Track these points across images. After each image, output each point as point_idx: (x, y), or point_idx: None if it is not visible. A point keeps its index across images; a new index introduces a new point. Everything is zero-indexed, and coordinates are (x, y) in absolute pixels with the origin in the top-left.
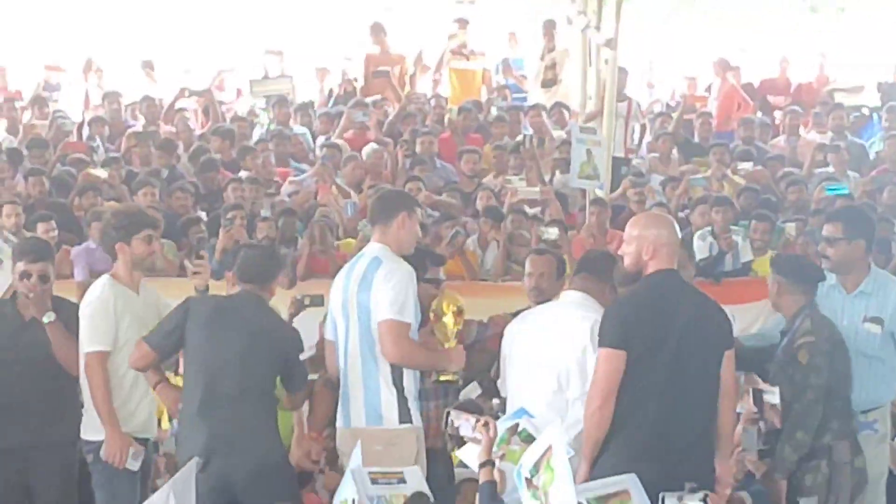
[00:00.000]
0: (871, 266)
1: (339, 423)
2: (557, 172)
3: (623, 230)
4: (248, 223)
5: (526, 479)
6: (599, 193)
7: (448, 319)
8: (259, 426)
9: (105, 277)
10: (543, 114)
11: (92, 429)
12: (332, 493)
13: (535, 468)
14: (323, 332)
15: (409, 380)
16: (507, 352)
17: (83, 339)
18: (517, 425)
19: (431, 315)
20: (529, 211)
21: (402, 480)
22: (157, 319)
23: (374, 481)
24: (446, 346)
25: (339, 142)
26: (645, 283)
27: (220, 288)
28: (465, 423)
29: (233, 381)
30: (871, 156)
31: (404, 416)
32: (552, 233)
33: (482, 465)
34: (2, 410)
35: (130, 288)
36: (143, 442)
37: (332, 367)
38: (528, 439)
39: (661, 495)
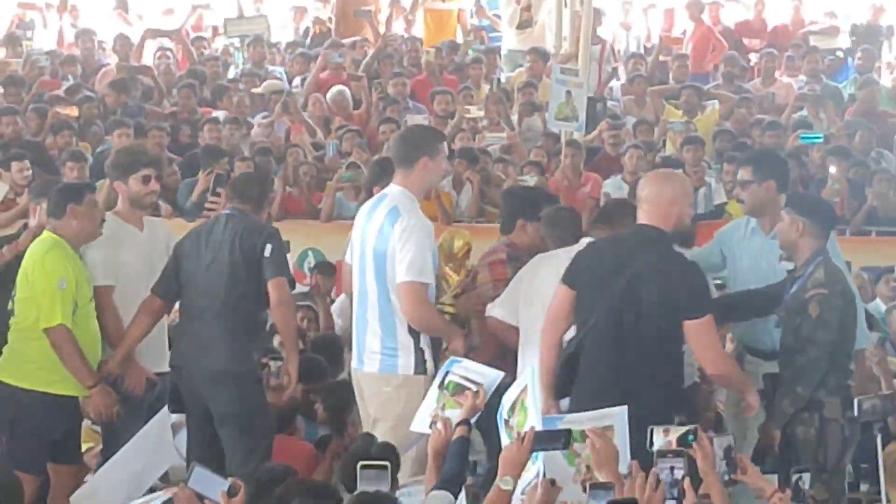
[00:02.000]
0: None
1: (353, 365)
2: (524, 117)
3: (597, 172)
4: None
5: (505, 420)
6: (576, 136)
7: (456, 263)
8: (222, 338)
9: (109, 214)
10: None
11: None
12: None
13: (512, 409)
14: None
15: None
16: (525, 288)
17: (95, 278)
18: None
19: (441, 254)
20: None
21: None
22: (167, 255)
23: None
24: (451, 281)
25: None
26: (617, 234)
27: None
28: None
29: (202, 296)
30: (845, 98)
31: (419, 367)
32: (530, 179)
33: (458, 424)
34: None
35: (133, 224)
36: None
37: (346, 287)
38: (457, 389)
39: (649, 428)
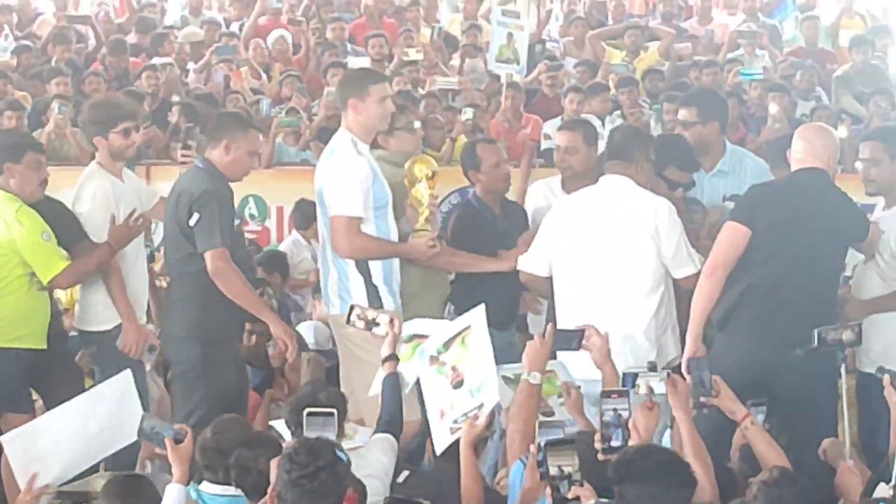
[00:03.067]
0: (727, 145)
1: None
2: (466, 59)
3: (537, 114)
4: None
5: (431, 356)
6: (516, 78)
7: (422, 185)
8: (173, 299)
9: (94, 167)
10: None
11: (95, 320)
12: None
13: (445, 346)
14: None
15: (377, 267)
16: (552, 235)
17: (92, 232)
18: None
19: (406, 182)
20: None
21: None
22: (140, 207)
23: None
24: (420, 213)
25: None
26: (789, 177)
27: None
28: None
29: (166, 257)
30: (785, 36)
31: (374, 304)
32: (468, 112)
33: (385, 359)
34: None
35: (115, 176)
36: None
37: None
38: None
39: (621, 373)
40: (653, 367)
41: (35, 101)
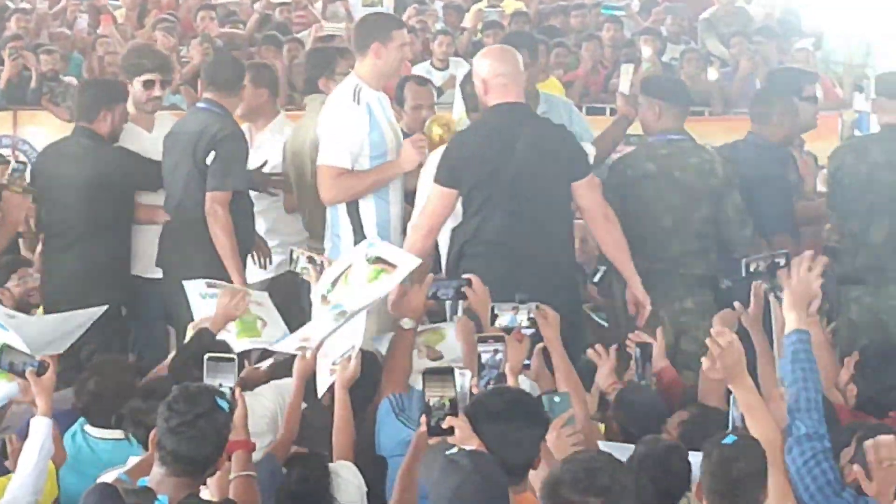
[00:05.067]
0: (541, 93)
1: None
2: (328, 5)
3: None
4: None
5: (322, 296)
6: None
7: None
8: (184, 241)
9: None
10: None
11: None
12: None
13: (332, 285)
14: None
15: (371, 219)
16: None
17: None
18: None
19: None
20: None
21: None
22: None
23: None
24: None
25: None
26: (482, 119)
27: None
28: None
29: (167, 201)
30: None
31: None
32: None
33: None
34: None
35: (141, 126)
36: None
37: None
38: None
39: (491, 306)
40: (522, 301)
41: None
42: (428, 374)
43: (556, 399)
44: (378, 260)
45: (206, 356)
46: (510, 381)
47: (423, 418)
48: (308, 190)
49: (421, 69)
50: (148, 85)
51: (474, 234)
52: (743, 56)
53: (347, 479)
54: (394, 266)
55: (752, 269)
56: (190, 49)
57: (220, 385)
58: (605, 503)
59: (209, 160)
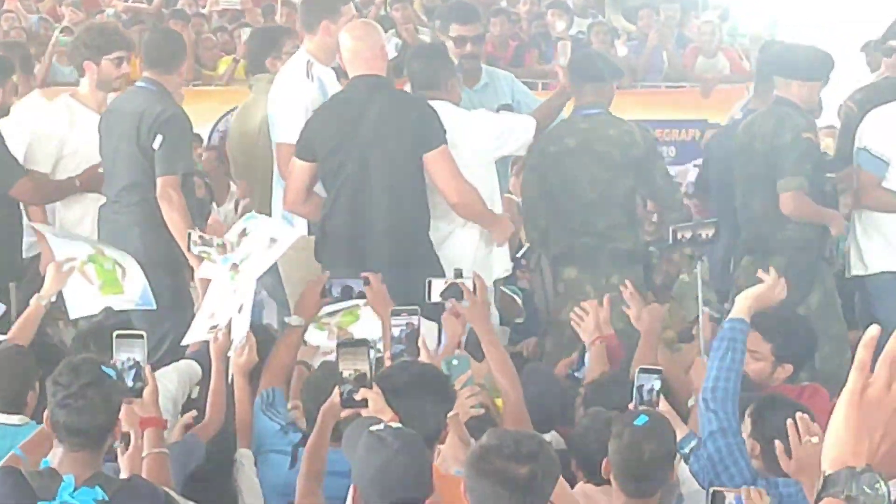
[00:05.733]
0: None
1: None
2: None
3: None
4: None
5: (233, 263)
6: None
7: None
8: (126, 225)
9: (64, 99)
10: None
11: None
12: None
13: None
14: None
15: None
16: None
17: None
18: None
19: None
20: None
21: None
22: None
23: None
24: None
25: None
26: (340, 91)
27: None
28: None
29: (109, 183)
30: None
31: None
32: (247, 32)
33: None
34: None
35: (91, 108)
36: None
37: None
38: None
39: (427, 280)
40: (458, 275)
41: None
42: (342, 346)
43: (455, 362)
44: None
45: (115, 334)
46: (423, 356)
47: (337, 389)
48: (257, 171)
49: None
50: (119, 62)
51: (331, 208)
52: (651, 29)
53: (250, 467)
54: (274, 240)
55: (678, 238)
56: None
57: (129, 360)
58: (532, 470)
59: (156, 144)
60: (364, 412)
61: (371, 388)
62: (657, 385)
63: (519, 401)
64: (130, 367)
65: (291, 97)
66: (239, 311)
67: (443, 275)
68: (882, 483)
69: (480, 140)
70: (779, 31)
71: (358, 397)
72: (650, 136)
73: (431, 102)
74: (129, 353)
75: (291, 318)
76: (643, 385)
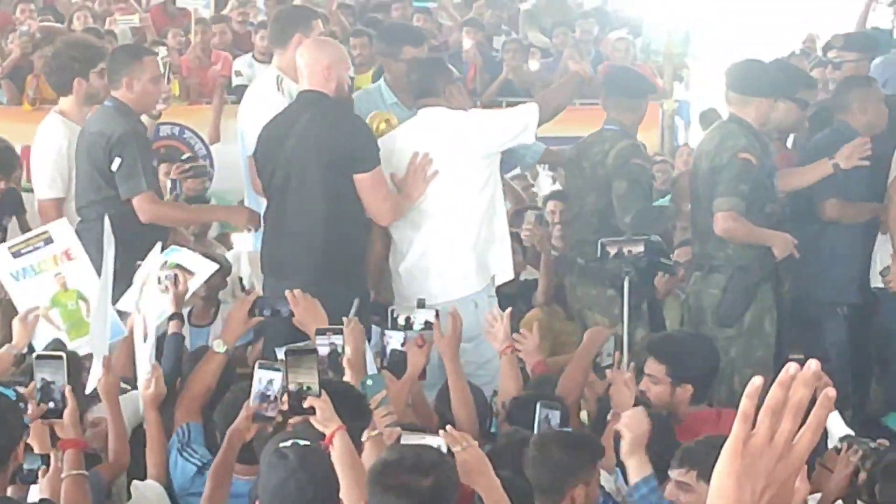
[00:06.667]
0: None
1: None
2: None
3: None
4: None
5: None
6: (205, 13)
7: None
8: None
9: (55, 118)
10: None
11: None
12: None
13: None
14: None
15: None
16: None
17: (36, 185)
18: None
19: None
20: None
21: None
22: None
23: None
24: None
25: None
26: (293, 104)
27: None
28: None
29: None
30: None
31: None
32: (162, 51)
33: (170, 318)
34: None
35: (79, 125)
36: None
37: None
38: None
39: (391, 308)
40: (421, 304)
41: None
42: (289, 354)
43: (369, 382)
44: (177, 266)
45: (34, 355)
46: (347, 376)
47: (245, 409)
48: None
49: (243, 62)
50: (102, 74)
51: (264, 219)
52: (565, 46)
53: (150, 499)
54: (191, 273)
55: (606, 252)
56: (9, 43)
57: (45, 380)
58: (436, 481)
59: (114, 167)
60: (312, 419)
61: (319, 395)
62: (556, 419)
63: (475, 434)
64: (49, 389)
65: (261, 111)
66: (144, 341)
67: (365, 293)
68: None
69: (485, 135)
70: (691, 47)
71: (306, 405)
72: (625, 155)
73: (428, 109)
74: (48, 374)
75: (215, 343)
76: (545, 417)
